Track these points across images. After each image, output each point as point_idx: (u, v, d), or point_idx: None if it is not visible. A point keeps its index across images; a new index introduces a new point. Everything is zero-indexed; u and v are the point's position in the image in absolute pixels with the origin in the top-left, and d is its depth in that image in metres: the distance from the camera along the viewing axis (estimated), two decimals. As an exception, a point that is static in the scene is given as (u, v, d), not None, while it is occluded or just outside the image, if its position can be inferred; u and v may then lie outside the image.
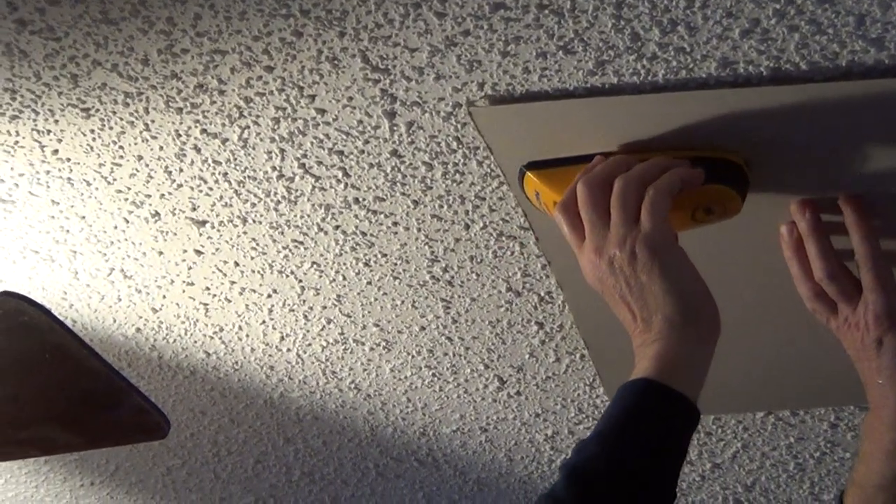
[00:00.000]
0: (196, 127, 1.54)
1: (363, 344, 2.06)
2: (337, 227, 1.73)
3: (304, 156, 1.58)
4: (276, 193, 1.67)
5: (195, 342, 2.10)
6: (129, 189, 1.69)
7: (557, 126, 1.44)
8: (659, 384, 1.28)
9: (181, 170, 1.64)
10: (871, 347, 1.45)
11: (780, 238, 1.51)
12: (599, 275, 1.36)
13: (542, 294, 1.84)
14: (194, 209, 1.72)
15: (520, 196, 1.57)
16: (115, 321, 2.05)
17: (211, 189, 1.67)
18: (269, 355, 2.12)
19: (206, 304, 1.98)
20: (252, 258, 1.83)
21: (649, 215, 1.34)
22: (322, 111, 1.49)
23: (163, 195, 1.70)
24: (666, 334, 1.31)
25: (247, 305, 1.97)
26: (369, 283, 1.87)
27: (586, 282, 1.41)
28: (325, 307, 1.96)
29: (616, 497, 1.23)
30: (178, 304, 1.99)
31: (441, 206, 1.66)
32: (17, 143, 1.59)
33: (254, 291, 1.93)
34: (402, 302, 1.92)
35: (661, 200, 1.34)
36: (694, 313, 1.32)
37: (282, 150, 1.58)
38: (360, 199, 1.66)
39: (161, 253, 1.84)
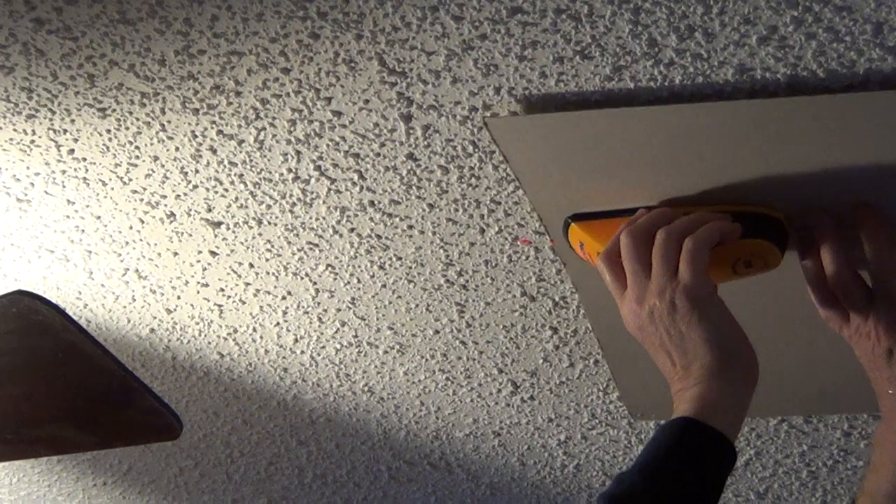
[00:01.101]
0: (212, 128, 1.55)
1: (377, 347, 2.06)
2: (352, 230, 1.73)
3: (320, 158, 1.58)
4: (291, 195, 1.67)
5: (209, 343, 2.10)
6: (144, 189, 1.69)
7: (574, 136, 1.44)
8: (698, 422, 1.31)
9: (197, 171, 1.64)
10: (882, 357, 1.45)
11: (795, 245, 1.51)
12: (640, 323, 1.40)
13: (557, 299, 1.84)
14: (210, 210, 1.73)
15: (563, 245, 1.58)
16: (129, 321, 2.05)
17: (226, 190, 1.67)
18: (283, 357, 2.12)
19: (220, 306, 1.98)
20: (267, 260, 1.84)
21: (688, 267, 1.37)
22: (338, 113, 1.49)
23: (178, 196, 1.70)
24: (705, 379, 1.34)
25: (261, 307, 1.98)
26: (384, 286, 1.87)
27: (602, 284, 1.45)
28: (339, 310, 1.96)
29: None
30: (192, 306, 1.99)
31: (456, 210, 1.66)
32: (33, 142, 1.60)
33: (268, 293, 1.93)
34: (417, 305, 1.92)
35: (699, 252, 1.38)
36: (732, 360, 1.36)
37: (298, 153, 1.58)
38: (376, 202, 1.66)
39: (176, 254, 1.84)
